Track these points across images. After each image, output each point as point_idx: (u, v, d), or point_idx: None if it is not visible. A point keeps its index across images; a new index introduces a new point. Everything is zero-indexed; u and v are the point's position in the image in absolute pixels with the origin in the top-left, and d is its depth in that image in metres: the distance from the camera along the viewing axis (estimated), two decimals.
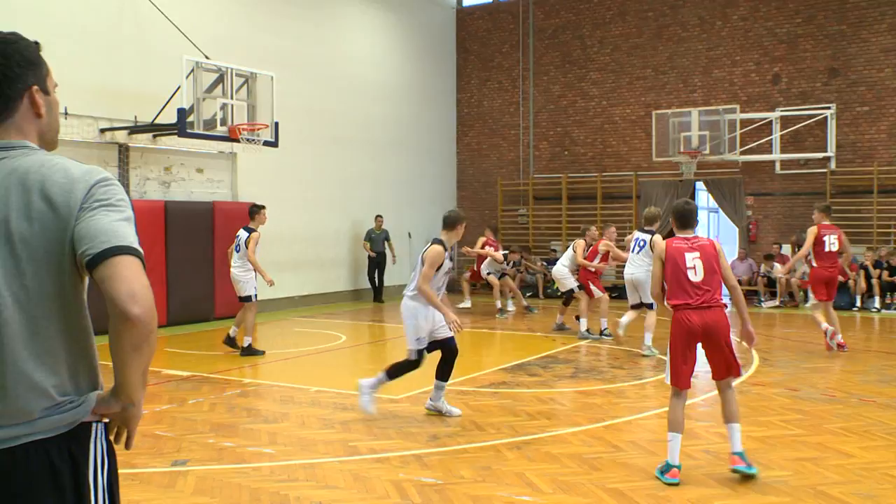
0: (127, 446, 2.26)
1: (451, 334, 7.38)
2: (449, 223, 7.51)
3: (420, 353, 7.34)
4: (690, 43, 19.90)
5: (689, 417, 7.52)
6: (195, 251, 14.82)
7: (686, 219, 5.95)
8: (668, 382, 5.75)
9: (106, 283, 2.01)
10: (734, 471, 5.62)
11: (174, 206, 14.50)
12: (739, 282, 18.96)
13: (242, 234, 11.08)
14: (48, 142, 2.30)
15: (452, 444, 6.55)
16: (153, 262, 13.91)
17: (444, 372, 7.51)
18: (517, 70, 22.16)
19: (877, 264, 16.87)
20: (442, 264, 7.28)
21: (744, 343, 6.28)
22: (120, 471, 2.31)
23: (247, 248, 10.89)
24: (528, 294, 19.13)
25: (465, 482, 5.57)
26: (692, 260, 5.72)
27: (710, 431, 6.94)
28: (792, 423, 7.22)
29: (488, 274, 16.57)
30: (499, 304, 16.30)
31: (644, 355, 10.90)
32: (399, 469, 5.89)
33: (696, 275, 5.70)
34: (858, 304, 16.81)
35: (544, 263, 19.72)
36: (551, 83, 21.70)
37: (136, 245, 2.08)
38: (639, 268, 11.18)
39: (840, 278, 12.85)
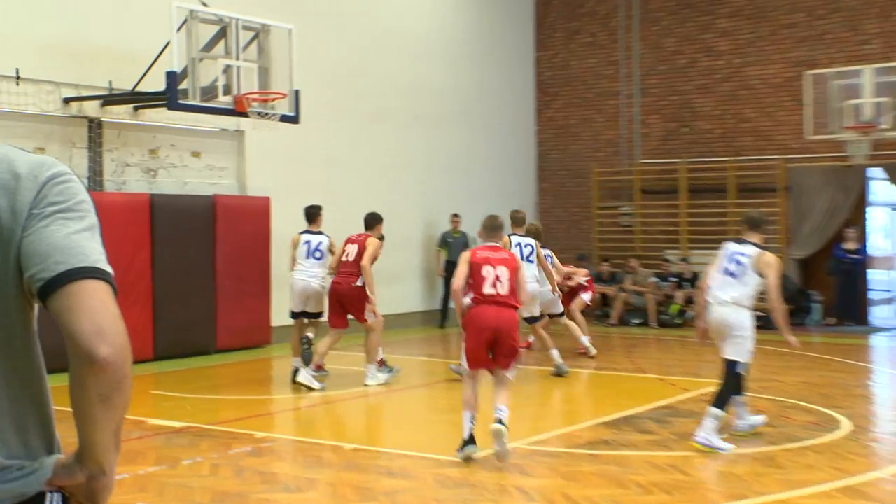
0: None
1: None
2: None
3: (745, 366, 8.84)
4: None
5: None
6: (191, 261, 14.83)
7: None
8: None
9: (64, 317, 1.97)
10: None
11: (162, 202, 14.55)
12: None
13: (320, 238, 12.55)
14: None
15: None
16: (135, 276, 13.86)
17: None
18: (616, 19, 22.00)
19: None
20: None
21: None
22: None
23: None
24: (637, 321, 18.83)
25: None
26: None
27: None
28: None
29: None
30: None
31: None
32: None
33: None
34: None
35: (657, 280, 19.40)
36: (663, 35, 21.52)
37: (102, 265, 2.06)
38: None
39: None
